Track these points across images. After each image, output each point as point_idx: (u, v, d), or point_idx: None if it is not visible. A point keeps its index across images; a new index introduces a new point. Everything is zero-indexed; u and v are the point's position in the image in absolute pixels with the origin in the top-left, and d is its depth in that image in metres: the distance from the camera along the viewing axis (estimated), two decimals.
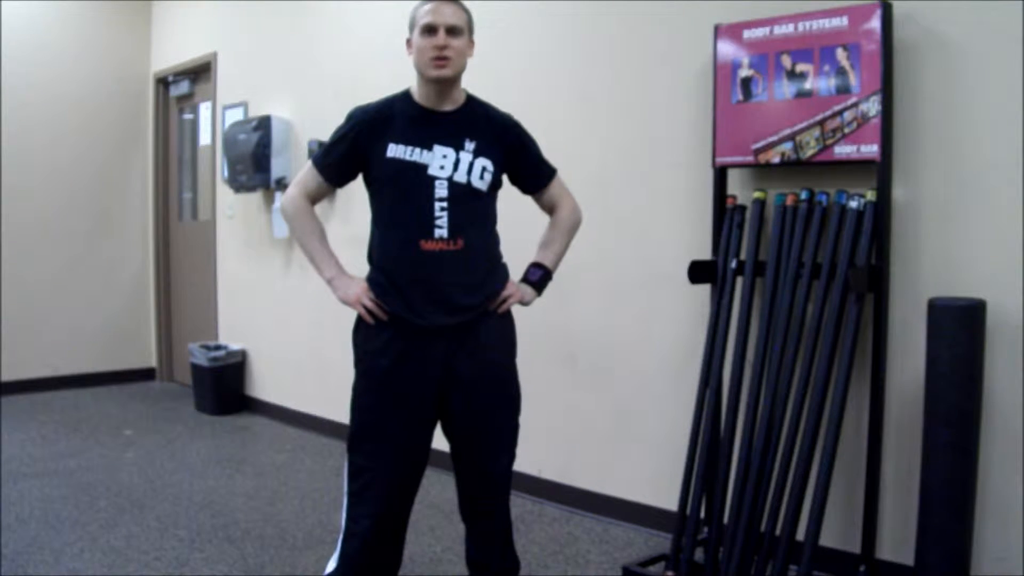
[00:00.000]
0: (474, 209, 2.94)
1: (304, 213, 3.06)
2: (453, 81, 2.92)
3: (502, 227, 3.06)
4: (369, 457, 2.95)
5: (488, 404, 3.02)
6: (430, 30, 2.85)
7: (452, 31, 2.86)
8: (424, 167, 2.87)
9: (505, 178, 3.08)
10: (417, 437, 2.98)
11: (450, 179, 2.88)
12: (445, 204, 2.87)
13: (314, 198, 3.09)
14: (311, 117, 6.48)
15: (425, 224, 2.86)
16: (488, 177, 2.93)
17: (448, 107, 2.96)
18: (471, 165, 2.91)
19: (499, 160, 2.98)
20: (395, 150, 2.89)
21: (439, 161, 2.88)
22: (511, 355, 3.12)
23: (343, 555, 2.99)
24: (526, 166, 3.13)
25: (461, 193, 2.89)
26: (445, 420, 3.02)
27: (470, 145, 2.93)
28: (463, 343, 2.93)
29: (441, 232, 2.86)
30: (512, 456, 3.12)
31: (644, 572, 3.85)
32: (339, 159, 3.00)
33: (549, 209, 3.23)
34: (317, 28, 6.43)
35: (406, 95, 3.00)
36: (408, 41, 2.95)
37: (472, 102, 3.03)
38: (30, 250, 7.90)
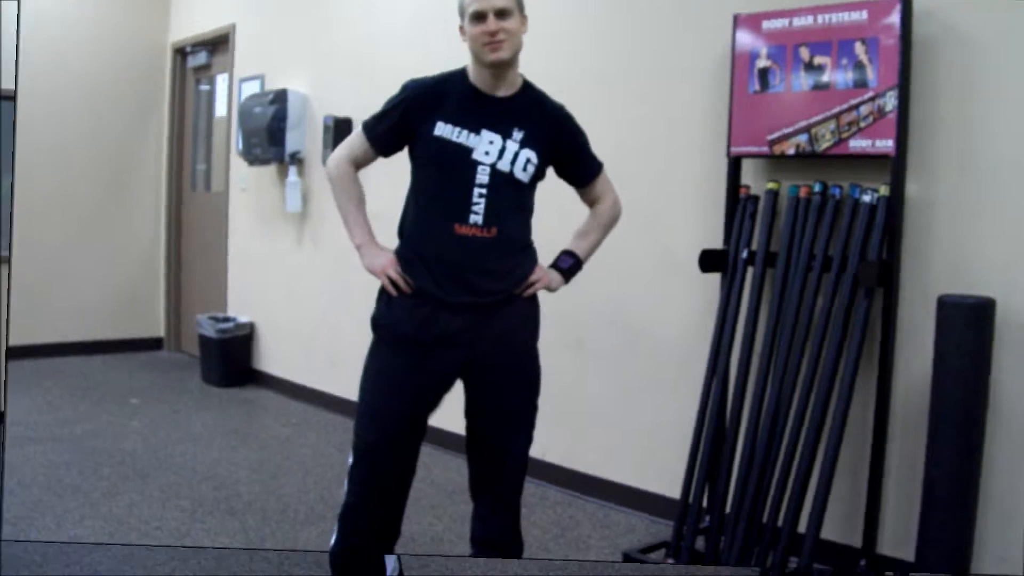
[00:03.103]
0: (512, 199, 2.92)
1: (347, 177, 3.05)
2: (509, 64, 2.90)
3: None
4: (376, 425, 2.96)
5: (508, 383, 3.04)
6: (479, 17, 2.82)
7: (501, 14, 2.82)
8: (469, 151, 2.86)
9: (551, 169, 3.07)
10: (423, 407, 2.99)
11: (493, 166, 2.87)
12: (484, 191, 2.86)
13: (359, 164, 3.07)
14: (328, 92, 6.47)
15: (462, 208, 2.85)
16: (531, 169, 2.91)
17: (502, 92, 2.93)
18: (516, 155, 2.89)
19: (545, 152, 2.96)
20: (443, 129, 2.87)
21: (485, 147, 2.86)
22: (533, 337, 3.11)
23: (342, 526, 3.01)
24: (574, 160, 3.10)
25: (502, 182, 2.88)
26: (466, 398, 3.04)
27: (518, 134, 2.90)
28: (486, 323, 2.93)
29: (476, 218, 2.85)
30: (529, 437, 3.14)
31: (644, 559, 3.86)
32: (388, 129, 2.99)
33: (591, 202, 3.19)
34: (337, 3, 6.41)
35: (462, 74, 2.97)
36: (460, 28, 2.92)
37: (528, 89, 3.00)
38: (43, 217, 7.88)
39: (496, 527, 3.13)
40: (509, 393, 3.05)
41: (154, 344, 8.64)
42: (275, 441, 5.65)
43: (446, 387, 3.01)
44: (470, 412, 3.06)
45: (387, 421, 2.95)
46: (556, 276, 3.10)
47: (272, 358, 7.17)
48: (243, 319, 7.32)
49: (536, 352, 3.12)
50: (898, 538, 3.55)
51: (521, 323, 3.05)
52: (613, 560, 3.93)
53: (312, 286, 6.57)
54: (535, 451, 4.76)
